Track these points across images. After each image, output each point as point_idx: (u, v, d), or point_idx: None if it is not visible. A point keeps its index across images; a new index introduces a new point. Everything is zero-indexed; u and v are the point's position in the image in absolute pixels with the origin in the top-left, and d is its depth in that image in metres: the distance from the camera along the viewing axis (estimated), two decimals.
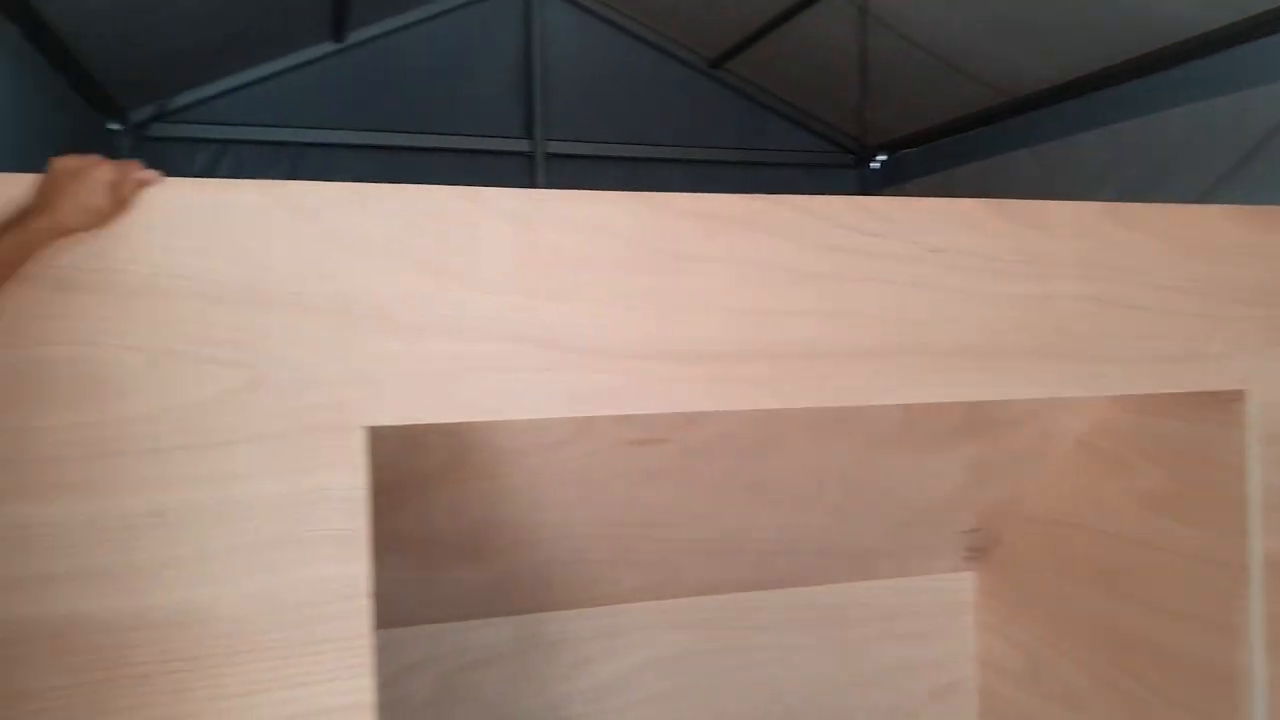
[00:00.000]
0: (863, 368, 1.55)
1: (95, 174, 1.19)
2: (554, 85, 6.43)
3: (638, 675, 2.25)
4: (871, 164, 6.01)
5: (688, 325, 1.48)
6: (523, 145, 6.55)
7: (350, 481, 1.33)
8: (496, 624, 2.14)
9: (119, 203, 1.22)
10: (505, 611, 2.14)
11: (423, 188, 1.38)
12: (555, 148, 6.50)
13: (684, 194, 1.48)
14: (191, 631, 1.27)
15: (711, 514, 2.00)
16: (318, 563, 1.32)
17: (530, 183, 6.57)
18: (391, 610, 1.97)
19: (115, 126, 5.91)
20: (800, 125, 6.41)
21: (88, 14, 4.41)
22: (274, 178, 5.64)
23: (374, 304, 1.34)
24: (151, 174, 1.25)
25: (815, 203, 1.53)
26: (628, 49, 6.46)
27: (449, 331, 1.37)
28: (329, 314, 1.32)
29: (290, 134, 6.23)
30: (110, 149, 5.91)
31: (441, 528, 1.87)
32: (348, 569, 1.33)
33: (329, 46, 6.30)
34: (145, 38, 4.98)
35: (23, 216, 1.16)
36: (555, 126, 6.47)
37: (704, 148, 6.37)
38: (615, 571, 2.13)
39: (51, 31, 4.42)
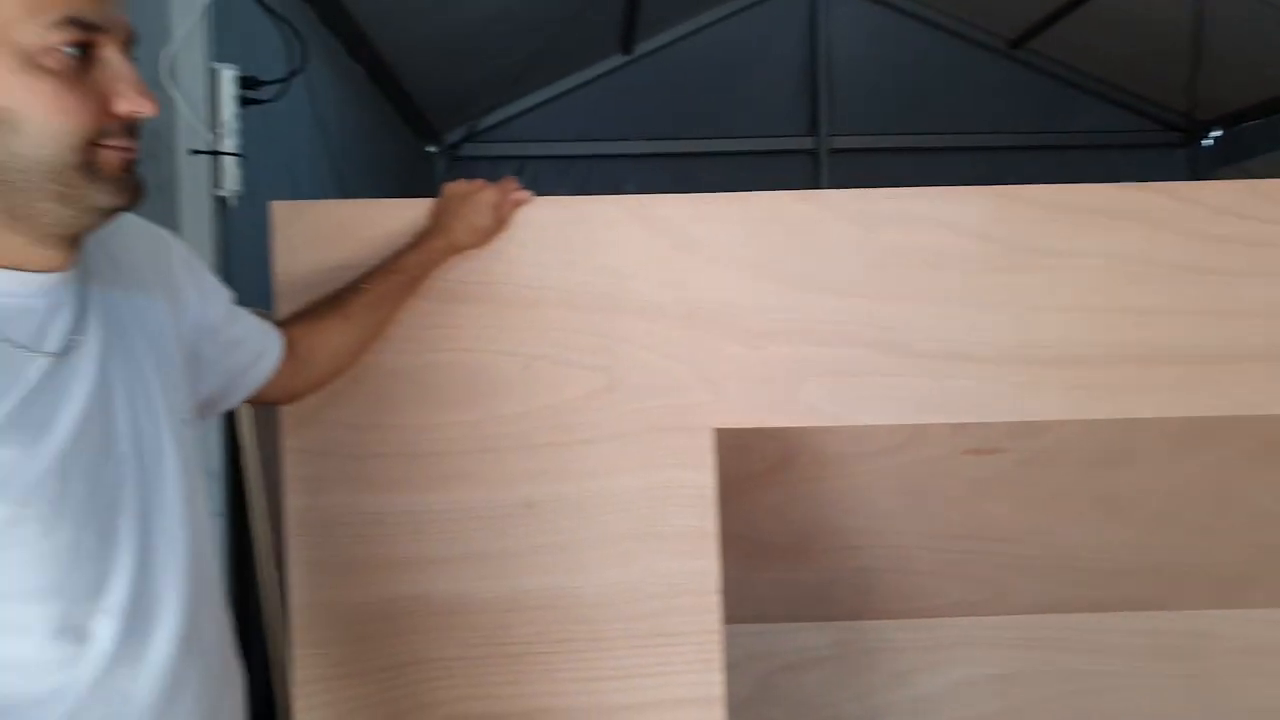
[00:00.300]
0: (1252, 373, 1.40)
1: (481, 197, 1.32)
2: (838, 80, 6.35)
3: (962, 691, 2.16)
4: (1203, 141, 5.41)
5: (1047, 327, 1.41)
6: (806, 143, 6.52)
7: (700, 480, 1.39)
8: (816, 628, 2.14)
9: (499, 222, 1.35)
10: (825, 617, 2.13)
11: (765, 194, 1.41)
12: (838, 143, 6.42)
13: (1041, 185, 1.41)
14: (559, 615, 1.38)
15: (1050, 529, 1.89)
16: (669, 557, 1.39)
17: (813, 180, 6.55)
18: None
19: (432, 149, 6.53)
20: (1115, 103, 5.90)
21: (412, 49, 4.90)
22: (566, 191, 5.99)
23: (719, 309, 1.39)
24: (526, 194, 1.37)
25: (1197, 189, 1.40)
26: (917, 36, 6.26)
27: (791, 335, 1.39)
28: (678, 320, 1.38)
29: (582, 147, 6.60)
30: (429, 170, 6.53)
31: (764, 529, 1.89)
32: (698, 564, 1.39)
33: (618, 59, 6.60)
34: (458, 67, 5.46)
35: (423, 237, 1.31)
36: (839, 122, 6.40)
37: (1004, 133, 6.03)
38: (941, 584, 2.06)
39: (386, 67, 4.96)
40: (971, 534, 1.93)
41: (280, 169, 3.25)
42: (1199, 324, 1.39)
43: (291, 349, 1.17)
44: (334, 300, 1.24)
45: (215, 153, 2.58)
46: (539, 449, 1.38)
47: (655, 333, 1.38)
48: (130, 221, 0.94)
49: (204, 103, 2.57)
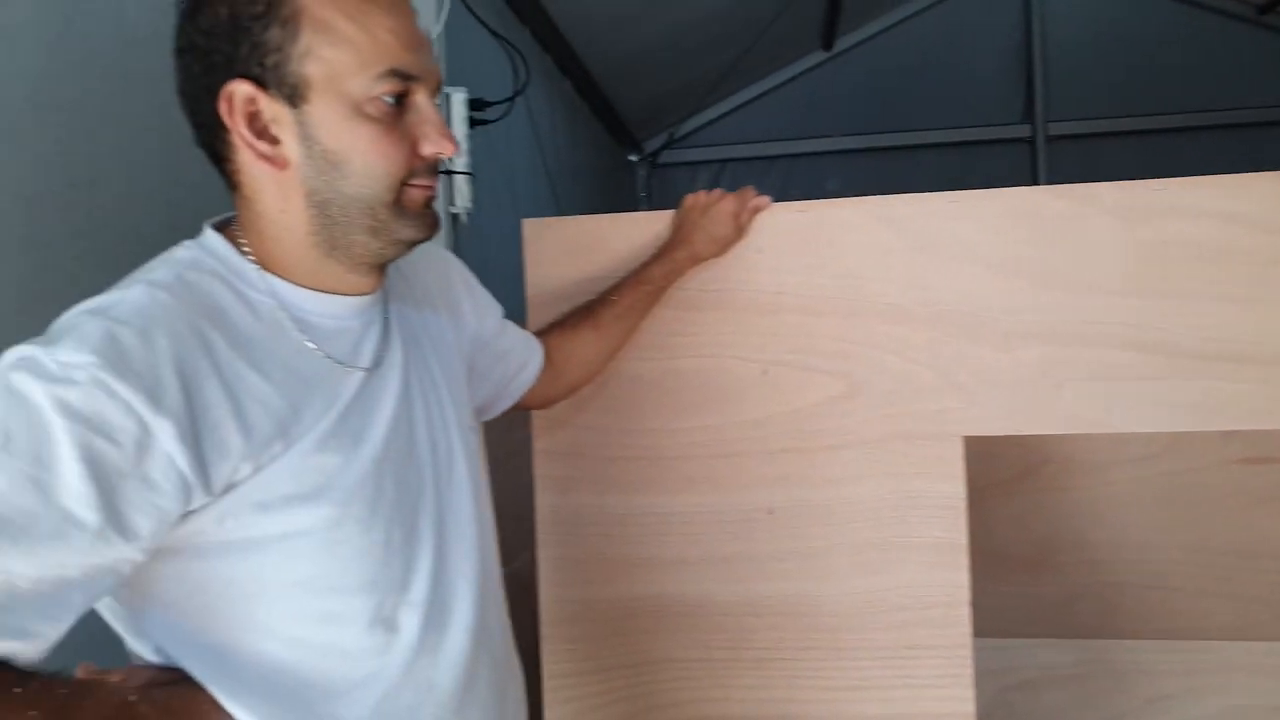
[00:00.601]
0: None
1: (721, 207, 1.34)
2: (1056, 62, 6.03)
3: None
4: None
5: None
6: (1021, 131, 6.22)
7: (949, 490, 1.35)
8: (1060, 645, 2.02)
9: (739, 230, 1.36)
10: (1070, 633, 2.02)
11: (1015, 189, 1.35)
12: (1057, 129, 6.09)
13: None
14: (801, 623, 1.37)
15: None
16: (916, 568, 1.35)
17: (1031, 170, 6.24)
18: None
19: (633, 158, 6.67)
20: None
21: (616, 62, 5.03)
22: (767, 190, 5.92)
23: (969, 311, 1.34)
24: (765, 200, 1.38)
25: None
26: (1147, 7, 5.84)
27: (1047, 337, 1.32)
28: (923, 323, 1.35)
29: (781, 147, 6.56)
30: (631, 178, 6.68)
31: (1004, 539, 1.82)
32: (947, 576, 1.35)
33: (819, 56, 6.52)
34: (658, 76, 5.55)
35: (666, 249, 1.34)
36: (1057, 107, 6.07)
37: (1252, 108, 5.53)
38: (1206, 604, 1.90)
39: (591, 80, 5.12)
40: (1244, 550, 1.77)
41: (501, 184, 3.41)
42: None
43: (549, 359, 1.23)
44: (585, 311, 1.29)
45: (449, 172, 2.75)
46: (779, 454, 1.38)
47: (898, 336, 1.35)
48: (424, 249, 1.02)
49: None
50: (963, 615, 1.34)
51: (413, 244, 0.86)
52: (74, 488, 0.65)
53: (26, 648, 0.63)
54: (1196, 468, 1.63)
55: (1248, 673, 1.96)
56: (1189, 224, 1.30)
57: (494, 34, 2.80)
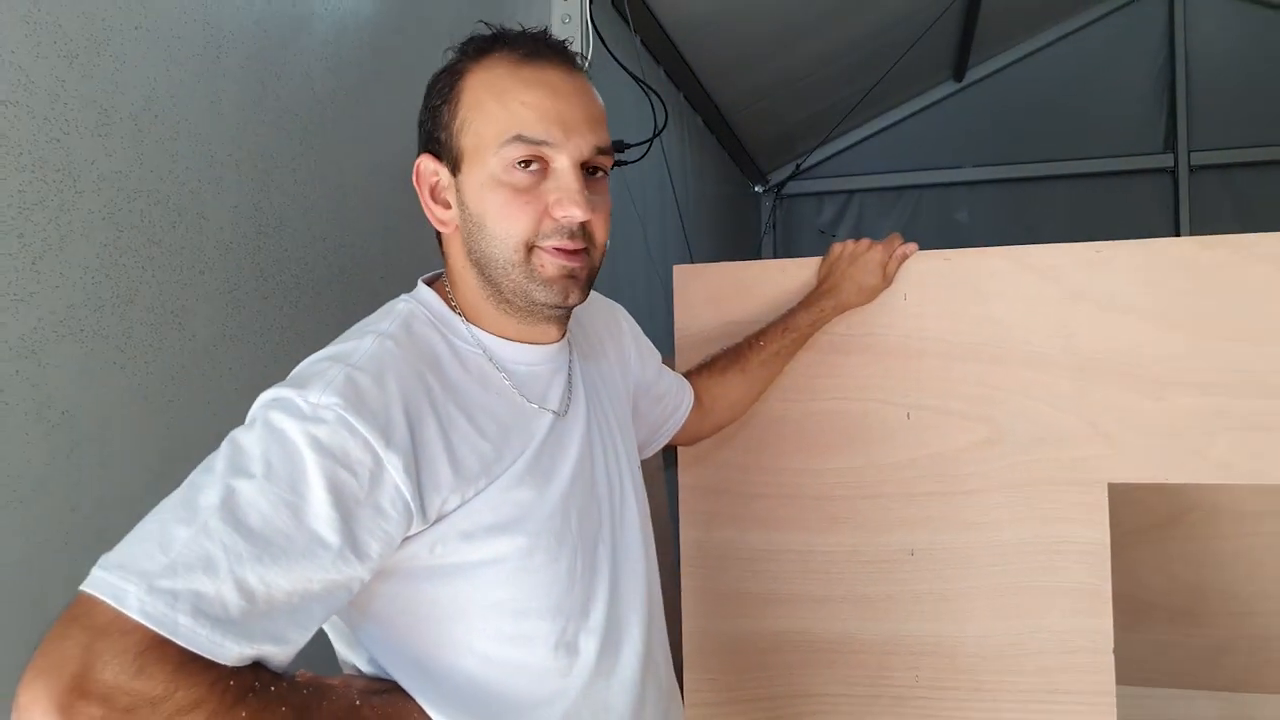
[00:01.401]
0: None
1: (870, 257, 1.39)
2: (1200, 90, 5.83)
3: None
4: None
5: None
6: (1164, 161, 6.03)
7: (1093, 536, 1.35)
8: (1205, 697, 1.97)
9: (888, 280, 1.41)
10: (1215, 685, 1.96)
11: (1166, 240, 1.35)
12: (1201, 159, 5.88)
13: None
14: (941, 663, 1.40)
15: None
16: (1059, 613, 1.36)
17: (1173, 200, 6.04)
18: None
19: (758, 189, 6.73)
20: None
21: (743, 97, 5.12)
22: (895, 221, 6.00)
23: (1117, 360, 1.35)
24: (912, 247, 1.42)
25: None
26: None
27: (1200, 386, 1.32)
28: (1068, 370, 1.36)
29: (909, 178, 6.52)
30: (756, 209, 6.74)
31: (1148, 586, 1.79)
32: (1090, 623, 1.36)
33: (950, 87, 6.46)
34: (784, 109, 5.61)
35: (813, 297, 1.40)
36: (1201, 136, 5.87)
37: None
38: None
39: (720, 115, 5.22)
40: None
41: (634, 222, 3.52)
42: None
43: (697, 400, 1.31)
44: (733, 355, 1.36)
45: None
46: (921, 497, 1.41)
47: (1042, 383, 1.37)
48: (596, 300, 1.11)
49: None
50: (1106, 662, 1.34)
51: (549, 307, 0.92)
52: (321, 513, 0.75)
53: (279, 651, 0.74)
54: None
55: None
56: None
57: (634, 78, 2.91)
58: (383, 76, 1.85)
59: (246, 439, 0.76)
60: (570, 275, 0.91)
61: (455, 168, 0.91)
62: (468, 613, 0.86)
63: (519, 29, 0.94)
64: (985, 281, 1.40)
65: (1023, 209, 6.36)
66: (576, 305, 0.94)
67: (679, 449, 1.51)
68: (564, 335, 0.99)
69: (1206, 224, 5.86)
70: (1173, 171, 5.98)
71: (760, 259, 6.77)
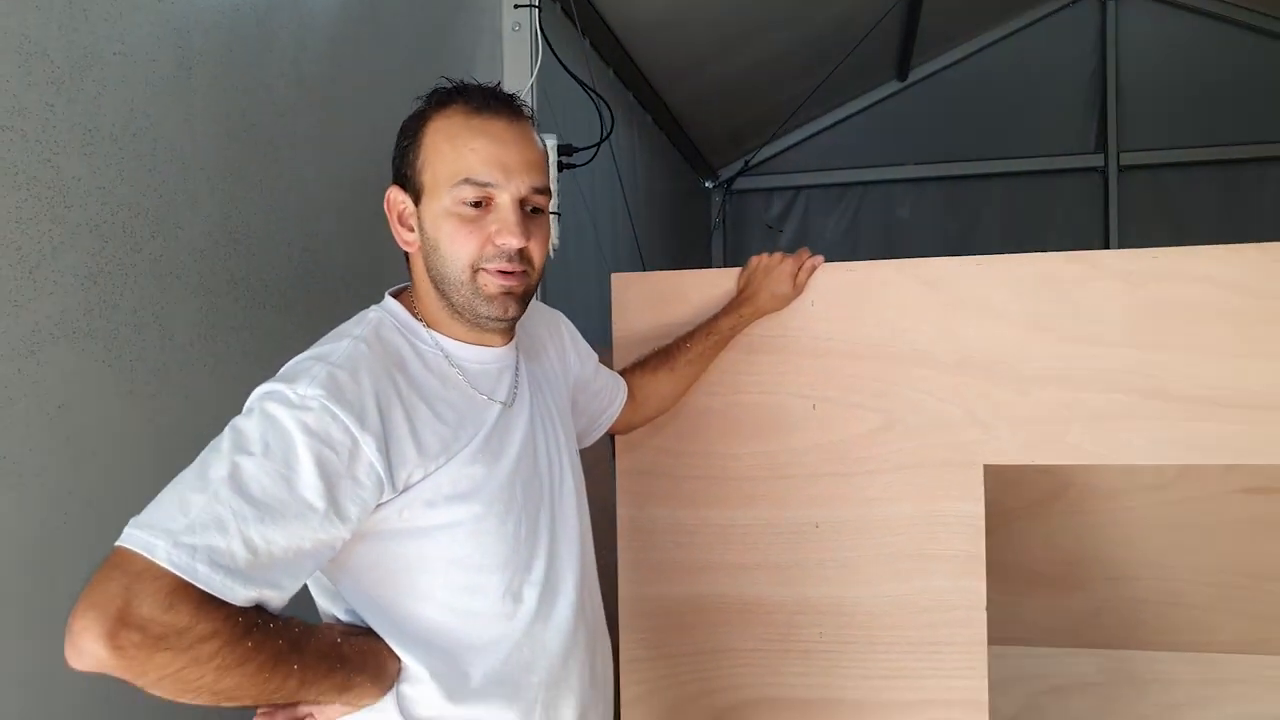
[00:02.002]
0: None
1: (783, 268, 1.60)
2: (1129, 92, 6.14)
3: None
4: None
5: None
6: (1095, 160, 6.34)
7: (970, 510, 1.59)
8: (1085, 654, 2.22)
9: (799, 289, 1.62)
10: (1094, 644, 2.21)
11: (1034, 255, 1.58)
12: (1130, 159, 6.20)
13: None
14: (840, 620, 1.63)
15: None
16: (941, 577, 1.59)
17: (1103, 199, 6.35)
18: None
19: (708, 184, 6.94)
20: None
21: (692, 97, 5.31)
22: (839, 217, 6.26)
23: (990, 358, 1.58)
24: (818, 260, 1.63)
25: None
26: (1222, 38, 5.93)
27: (1058, 382, 1.55)
28: (949, 367, 1.59)
29: (853, 175, 6.76)
30: (706, 204, 6.94)
31: (1034, 557, 2.03)
32: (967, 584, 1.59)
33: (893, 86, 6.71)
34: (734, 107, 5.82)
35: (733, 304, 1.61)
36: (1131, 137, 6.18)
37: None
38: (1216, 619, 2.09)
39: (670, 113, 5.41)
40: (1252, 572, 1.96)
41: (586, 222, 3.71)
42: None
43: (631, 395, 1.51)
44: (663, 355, 1.57)
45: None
46: (824, 477, 1.63)
47: (928, 378, 1.60)
48: (540, 310, 1.31)
49: None
50: (979, 618, 1.58)
51: (490, 320, 1.12)
52: (310, 483, 0.94)
53: (276, 595, 0.93)
54: (1203, 496, 1.83)
55: (1258, 684, 2.14)
56: (1183, 287, 1.52)
57: (582, 85, 3.10)
58: (342, 91, 2.02)
59: (246, 424, 0.95)
60: (508, 293, 1.11)
61: (417, 199, 1.11)
62: (430, 567, 1.06)
63: (476, 83, 1.13)
64: (880, 290, 1.62)
65: (960, 207, 6.64)
66: (515, 319, 1.14)
67: (616, 438, 1.71)
68: (510, 340, 1.19)
69: (1134, 221, 6.19)
70: (1103, 171, 6.29)
71: (710, 253, 6.98)
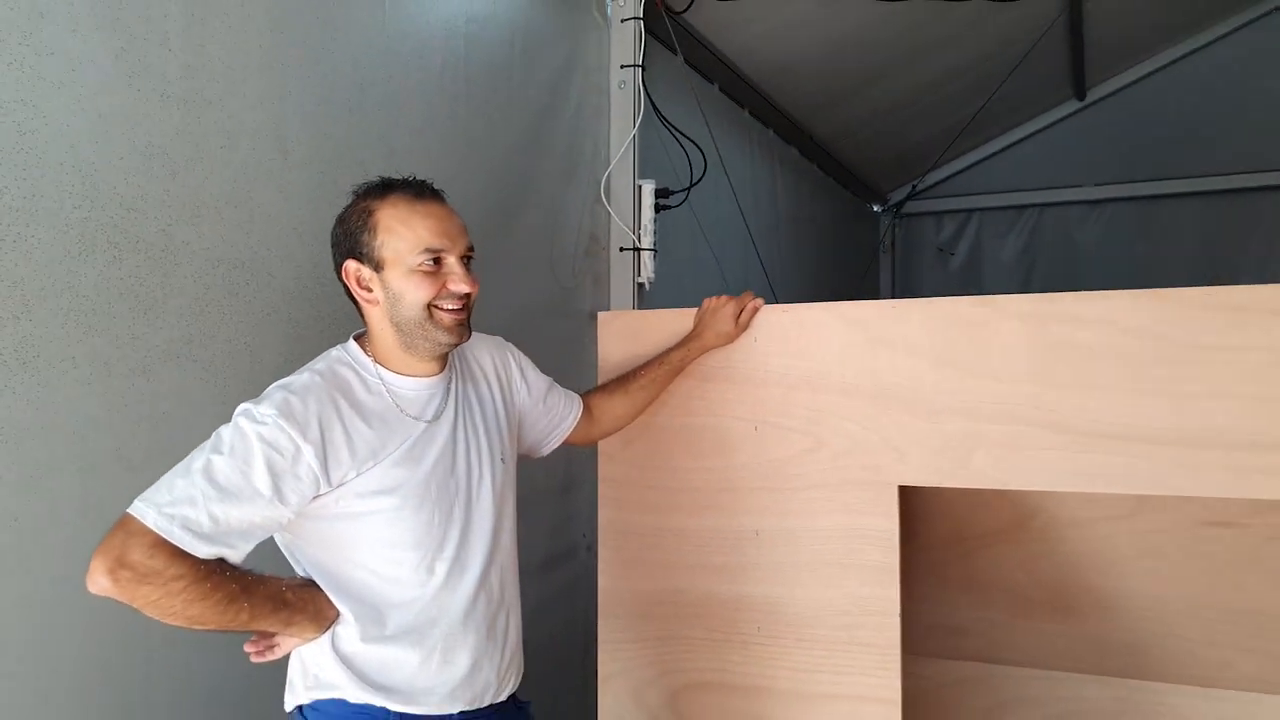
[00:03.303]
0: None
1: (726, 309, 1.90)
2: None
3: None
4: None
5: (1202, 413, 1.60)
6: None
7: (885, 526, 1.80)
8: (1093, 681, 2.31)
9: (741, 327, 1.91)
10: (1100, 670, 2.29)
11: (945, 300, 1.78)
12: None
13: (1203, 289, 1.60)
14: (774, 617, 1.89)
15: None
16: (858, 583, 1.82)
17: None
18: (987, 648, 2.33)
19: (876, 209, 7.05)
20: None
21: (838, 128, 5.51)
22: (1015, 238, 6.33)
23: (905, 391, 1.79)
24: (759, 302, 1.91)
25: None
26: None
27: (963, 413, 1.75)
28: (870, 397, 1.82)
29: (1029, 196, 6.66)
30: (875, 228, 7.06)
31: (1018, 580, 2.16)
32: (882, 592, 1.81)
33: (1071, 106, 6.56)
34: (892, 133, 5.94)
35: (685, 339, 1.93)
36: None
37: None
38: (1224, 655, 2.13)
39: (818, 144, 5.63)
40: (1236, 607, 2.00)
41: (708, 255, 4.04)
42: None
43: (588, 412, 1.86)
44: (620, 381, 1.91)
45: (637, 249, 3.45)
46: (763, 491, 1.90)
47: (851, 407, 1.83)
48: (483, 339, 1.69)
49: (631, 211, 3.46)
50: (893, 623, 1.79)
51: (447, 345, 1.51)
52: (261, 477, 1.36)
53: (231, 553, 1.35)
54: (1163, 529, 1.91)
55: None
56: (1077, 329, 1.68)
57: (675, 135, 3.45)
58: (432, 165, 2.49)
59: (224, 431, 1.39)
60: (460, 323, 1.52)
61: (378, 268, 1.50)
62: (360, 543, 1.46)
63: (402, 178, 1.52)
64: (813, 329, 1.88)
65: (1147, 227, 6.39)
66: (465, 339, 1.53)
67: (599, 451, 2.06)
68: (443, 370, 1.58)
69: None
70: None
71: (879, 276, 7.08)
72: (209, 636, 1.45)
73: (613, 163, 3.48)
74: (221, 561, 1.35)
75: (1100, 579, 2.09)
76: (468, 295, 1.51)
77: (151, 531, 1.28)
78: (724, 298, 1.93)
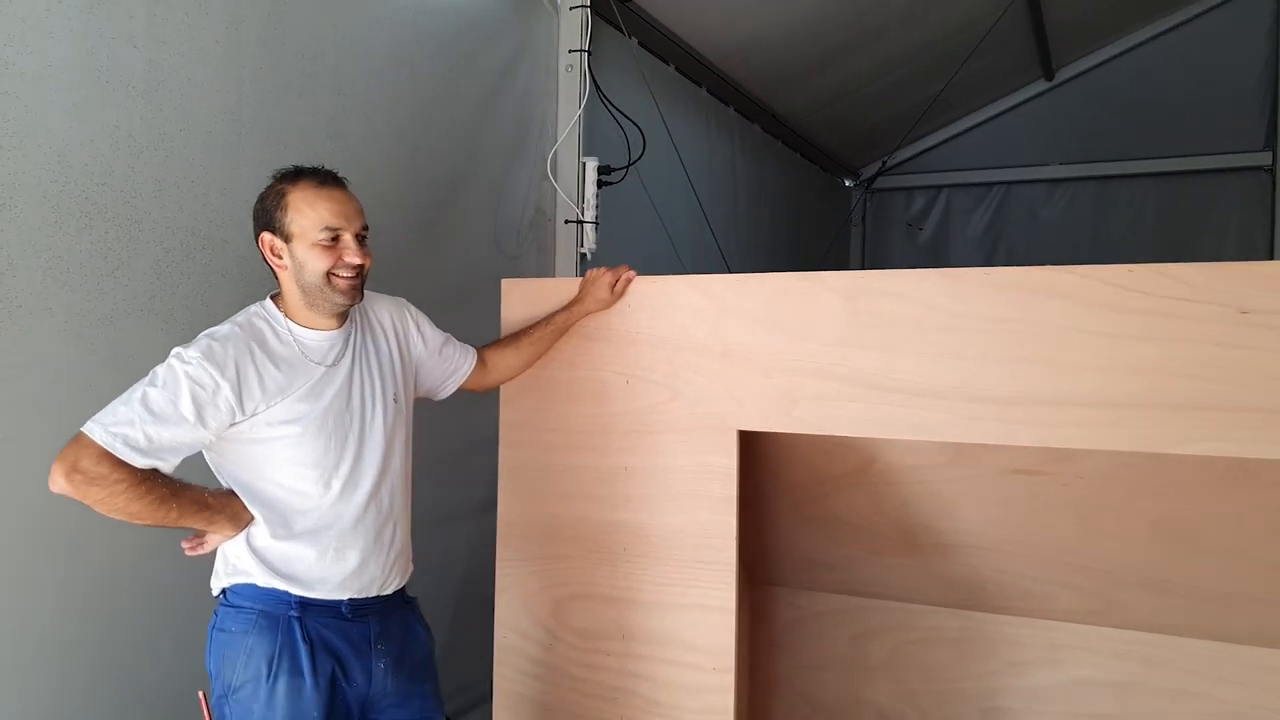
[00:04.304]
0: (1150, 418, 1.82)
1: (603, 280, 2.27)
2: None
3: (1077, 690, 2.55)
4: None
5: (977, 373, 1.96)
6: (1262, 159, 6.21)
7: (726, 463, 2.18)
8: (941, 611, 2.68)
9: (617, 295, 2.28)
10: (948, 603, 2.67)
11: (778, 275, 2.14)
12: None
13: (984, 269, 1.96)
14: (638, 540, 2.27)
15: (1126, 550, 2.25)
16: (705, 512, 2.21)
17: (1270, 199, 6.20)
18: (852, 581, 2.71)
19: (849, 183, 7.35)
20: None
21: (803, 105, 5.81)
22: (982, 215, 6.77)
23: (745, 351, 2.16)
24: (632, 274, 2.28)
25: (1107, 272, 1.85)
26: None
27: (789, 370, 2.12)
28: (717, 357, 2.19)
29: (998, 174, 6.95)
30: (846, 202, 7.36)
31: (866, 518, 2.53)
32: (723, 518, 2.19)
33: (1040, 86, 6.83)
34: (860, 112, 6.23)
35: (571, 304, 2.30)
36: None
37: None
38: (1045, 589, 2.49)
39: (781, 122, 5.93)
40: (1053, 546, 2.36)
41: (621, 231, 4.34)
42: (1100, 377, 1.85)
43: (482, 363, 2.24)
44: (512, 337, 2.29)
45: (580, 222, 3.82)
46: (632, 434, 2.28)
47: (702, 364, 2.20)
48: (380, 299, 2.07)
49: (575, 186, 3.83)
50: (731, 543, 2.17)
51: (343, 305, 1.90)
52: (186, 406, 1.74)
53: (164, 465, 1.74)
54: (978, 475, 2.27)
55: (1095, 653, 2.52)
56: (882, 301, 2.04)
57: (614, 116, 3.80)
58: (376, 132, 2.85)
59: (160, 369, 1.78)
60: (353, 287, 1.90)
61: (287, 239, 1.88)
62: (270, 462, 1.86)
63: (312, 166, 1.89)
64: (675, 298, 2.25)
65: (1112, 206, 6.67)
66: (357, 302, 1.91)
67: (501, 399, 2.44)
68: (342, 325, 1.95)
69: None
70: (1270, 170, 6.13)
71: (848, 249, 7.39)
72: (165, 544, 1.86)
73: (559, 141, 3.84)
74: (156, 471, 1.74)
75: (936, 520, 2.46)
76: (360, 266, 1.89)
77: (98, 445, 1.67)
78: (603, 269, 2.30)
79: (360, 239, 1.90)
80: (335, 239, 1.86)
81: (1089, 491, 2.19)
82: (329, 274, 1.86)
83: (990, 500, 2.35)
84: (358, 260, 1.87)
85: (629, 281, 2.30)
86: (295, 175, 1.89)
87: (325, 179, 1.89)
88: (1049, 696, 2.60)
